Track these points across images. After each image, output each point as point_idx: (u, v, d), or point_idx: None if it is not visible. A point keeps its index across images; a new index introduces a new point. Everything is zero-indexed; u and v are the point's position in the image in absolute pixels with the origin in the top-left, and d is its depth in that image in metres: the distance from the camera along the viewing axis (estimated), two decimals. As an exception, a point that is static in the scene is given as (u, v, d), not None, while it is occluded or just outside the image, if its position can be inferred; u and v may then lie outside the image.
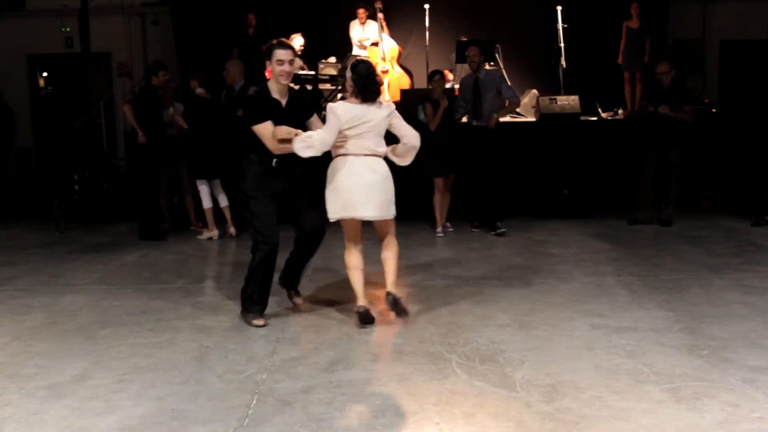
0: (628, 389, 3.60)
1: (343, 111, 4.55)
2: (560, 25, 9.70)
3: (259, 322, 4.74)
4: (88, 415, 3.43)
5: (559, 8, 9.72)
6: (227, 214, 7.82)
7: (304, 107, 4.90)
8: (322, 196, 4.72)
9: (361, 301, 4.74)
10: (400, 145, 4.76)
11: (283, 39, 4.83)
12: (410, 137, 4.72)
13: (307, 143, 4.50)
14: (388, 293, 4.78)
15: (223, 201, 7.82)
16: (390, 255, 4.89)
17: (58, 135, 11.56)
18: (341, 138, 4.56)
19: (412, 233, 7.86)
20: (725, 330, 4.47)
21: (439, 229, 7.83)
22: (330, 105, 4.64)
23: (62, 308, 5.28)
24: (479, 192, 7.98)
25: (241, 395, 3.62)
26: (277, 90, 4.73)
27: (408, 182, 8.70)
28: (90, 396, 3.65)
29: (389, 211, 4.80)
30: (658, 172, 8.05)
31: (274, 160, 4.67)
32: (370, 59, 10.33)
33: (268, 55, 4.67)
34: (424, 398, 3.55)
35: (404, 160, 4.83)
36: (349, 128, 4.56)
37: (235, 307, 5.19)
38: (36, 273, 6.43)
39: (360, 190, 4.59)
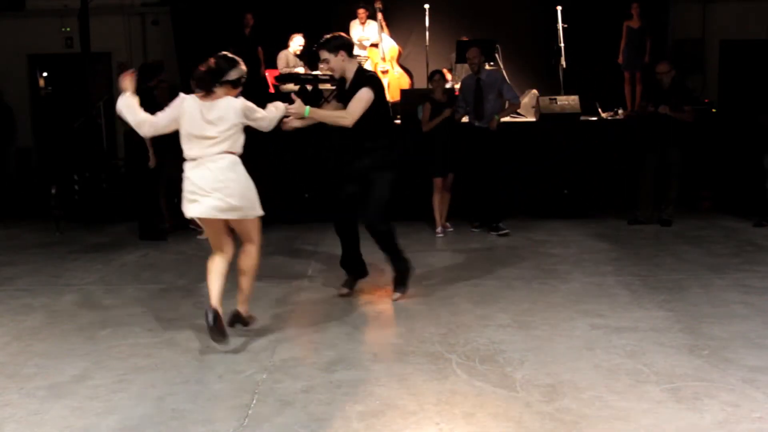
0: (628, 389, 3.60)
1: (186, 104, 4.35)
2: (560, 25, 9.70)
3: (341, 291, 5.37)
4: (88, 415, 3.43)
5: (559, 8, 9.72)
6: None
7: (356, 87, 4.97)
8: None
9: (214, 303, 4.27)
10: None
11: (327, 36, 4.98)
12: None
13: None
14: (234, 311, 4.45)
15: None
16: (241, 266, 4.47)
17: (58, 135, 11.55)
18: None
19: (412, 233, 7.86)
20: (725, 330, 4.47)
21: (439, 229, 7.83)
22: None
23: (62, 308, 5.28)
24: (480, 192, 7.97)
25: (241, 395, 3.62)
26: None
27: (408, 182, 8.76)
28: (90, 396, 3.65)
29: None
30: (658, 172, 8.04)
31: None
32: (369, 58, 10.43)
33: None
34: (424, 398, 3.55)
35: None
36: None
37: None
38: (36, 273, 6.43)
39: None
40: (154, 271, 6.45)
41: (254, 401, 3.55)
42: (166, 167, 8.05)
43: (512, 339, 4.39)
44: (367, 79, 4.95)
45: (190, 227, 8.24)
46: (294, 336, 4.59)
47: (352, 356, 4.16)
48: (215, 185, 4.20)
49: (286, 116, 4.66)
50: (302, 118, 4.76)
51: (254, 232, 4.44)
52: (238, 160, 4.33)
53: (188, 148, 4.34)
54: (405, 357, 4.14)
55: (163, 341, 4.48)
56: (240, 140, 4.35)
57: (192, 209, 4.28)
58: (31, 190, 11.01)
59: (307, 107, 4.74)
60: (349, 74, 5.01)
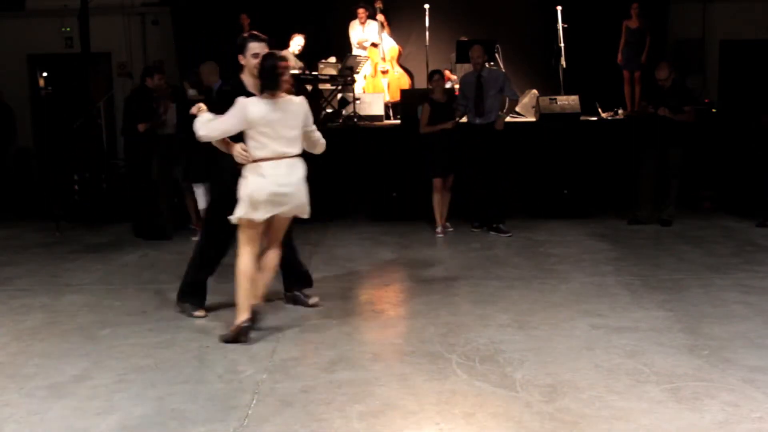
0: (628, 389, 3.60)
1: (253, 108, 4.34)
2: (560, 25, 9.70)
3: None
4: (88, 415, 3.44)
5: (559, 8, 9.72)
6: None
7: None
8: None
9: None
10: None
11: (257, 32, 4.77)
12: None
13: (198, 123, 4.38)
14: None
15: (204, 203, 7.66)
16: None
17: (58, 135, 11.55)
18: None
19: (412, 233, 7.87)
20: (725, 330, 4.47)
21: (439, 229, 7.82)
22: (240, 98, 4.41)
23: (62, 308, 5.28)
24: (481, 191, 7.94)
25: (241, 395, 3.62)
26: (252, 84, 4.60)
27: (408, 182, 8.77)
28: (90, 396, 3.65)
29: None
30: (658, 172, 8.04)
31: None
32: (369, 58, 10.43)
33: (242, 49, 4.63)
34: (424, 398, 3.55)
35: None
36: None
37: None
38: (36, 273, 6.42)
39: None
40: (154, 271, 6.45)
41: (254, 401, 3.55)
42: (163, 167, 8.05)
43: (512, 339, 4.39)
44: None
45: (190, 227, 8.24)
46: (294, 336, 4.59)
47: (352, 356, 4.16)
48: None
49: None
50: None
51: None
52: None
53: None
54: (405, 357, 4.14)
55: (163, 341, 4.48)
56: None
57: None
58: (31, 190, 11.00)
59: None
60: None
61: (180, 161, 7.94)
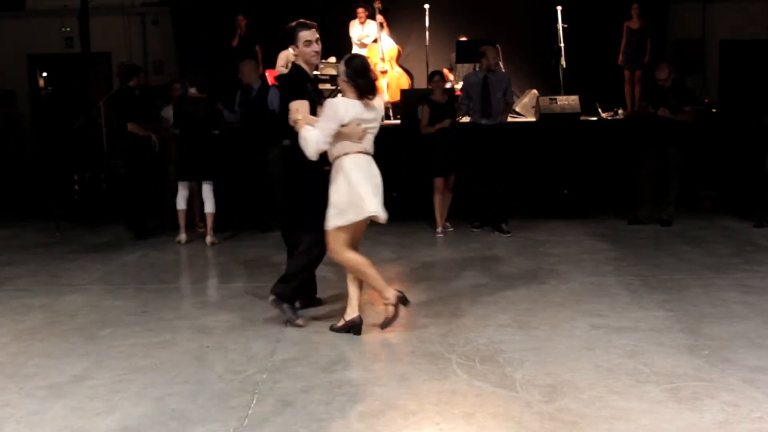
0: (628, 389, 3.60)
1: (345, 107, 4.40)
2: (560, 25, 9.70)
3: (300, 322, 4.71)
4: (88, 415, 3.44)
5: (559, 8, 9.72)
6: (209, 222, 7.56)
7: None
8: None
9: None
10: None
11: (304, 20, 4.90)
12: None
13: (304, 140, 4.35)
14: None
15: (209, 207, 7.56)
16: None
17: (58, 135, 11.55)
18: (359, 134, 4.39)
19: (412, 233, 7.87)
20: (725, 330, 4.47)
21: (439, 229, 7.82)
22: (330, 100, 4.51)
23: (62, 308, 5.28)
24: (487, 191, 7.93)
25: (241, 395, 3.62)
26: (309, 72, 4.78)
27: (408, 182, 8.77)
28: (90, 396, 3.65)
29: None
30: (658, 172, 8.04)
31: None
32: (369, 58, 10.42)
33: (292, 39, 4.82)
34: (424, 398, 3.55)
35: None
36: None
37: (235, 306, 5.20)
38: (36, 273, 6.43)
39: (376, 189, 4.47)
40: (154, 271, 6.45)
41: (254, 401, 3.55)
42: (159, 167, 8.05)
43: (512, 339, 4.39)
44: None
45: (193, 228, 8.22)
46: (294, 336, 4.59)
47: (352, 356, 4.17)
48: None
49: None
50: None
51: None
52: None
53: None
54: (405, 357, 4.15)
55: (163, 341, 4.48)
56: None
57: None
58: (31, 190, 11.00)
59: None
60: None
61: (173, 160, 7.93)
